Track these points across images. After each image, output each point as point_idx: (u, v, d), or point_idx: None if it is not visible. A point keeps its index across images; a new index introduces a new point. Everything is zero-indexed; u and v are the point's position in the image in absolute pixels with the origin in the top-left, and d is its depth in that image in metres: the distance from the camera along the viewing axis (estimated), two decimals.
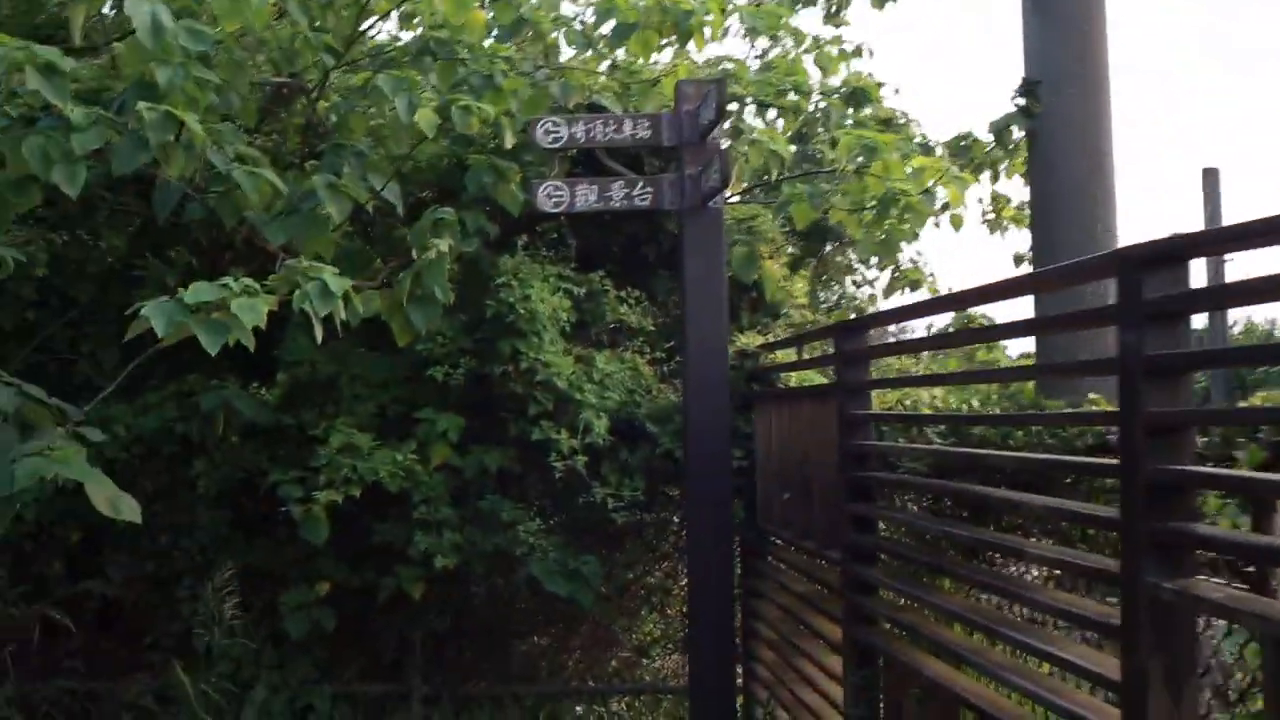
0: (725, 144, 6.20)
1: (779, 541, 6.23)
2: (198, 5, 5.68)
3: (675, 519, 7.03)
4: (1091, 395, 4.41)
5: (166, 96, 5.03)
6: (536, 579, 6.32)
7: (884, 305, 10.12)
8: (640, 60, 6.79)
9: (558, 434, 6.34)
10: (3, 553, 6.72)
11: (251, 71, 6.25)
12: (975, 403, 4.70)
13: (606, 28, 6.36)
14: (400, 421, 6.71)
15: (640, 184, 6.04)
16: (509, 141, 6.25)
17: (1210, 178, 23.03)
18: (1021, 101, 7.97)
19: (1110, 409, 3.24)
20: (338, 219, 5.54)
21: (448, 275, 5.81)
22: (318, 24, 6.31)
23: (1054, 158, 7.89)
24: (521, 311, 6.36)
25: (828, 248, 9.51)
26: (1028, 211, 8.55)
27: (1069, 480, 3.70)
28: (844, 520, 4.81)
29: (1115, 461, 2.88)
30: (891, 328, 12.58)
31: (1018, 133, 8.34)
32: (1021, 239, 9.59)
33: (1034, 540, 3.79)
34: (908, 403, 5.21)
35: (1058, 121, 7.90)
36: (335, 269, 4.93)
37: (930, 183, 6.80)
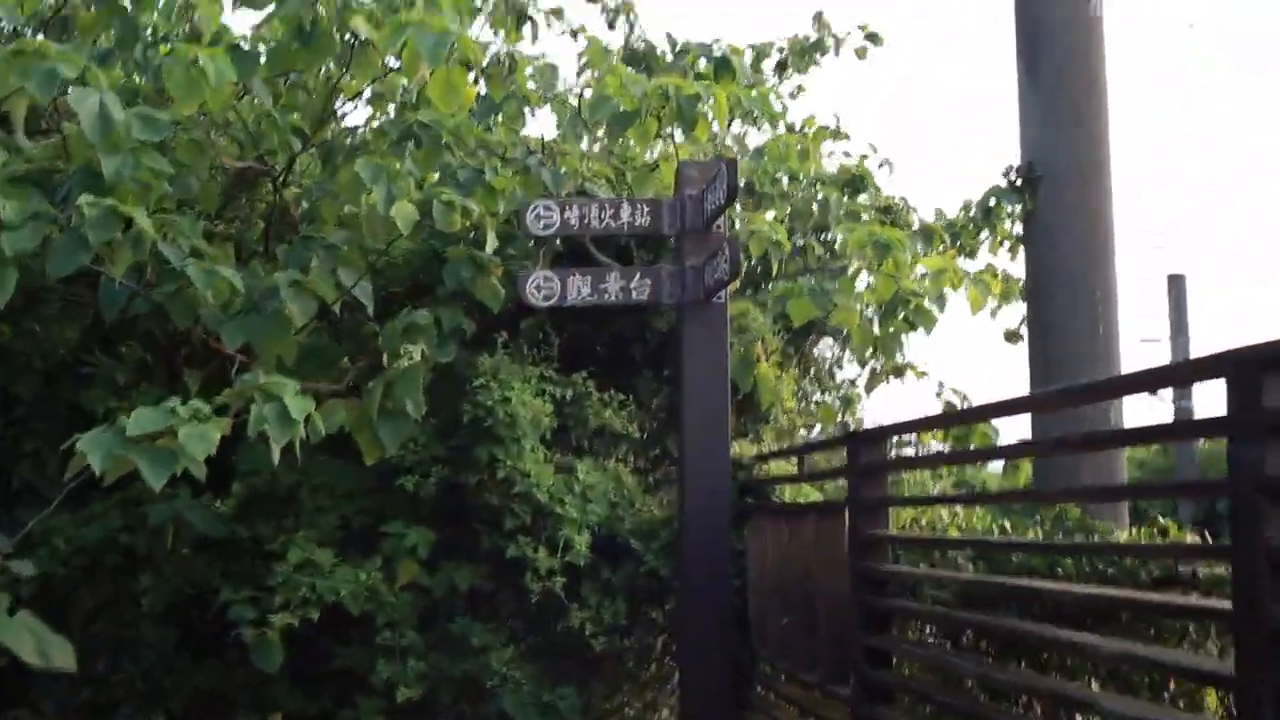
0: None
1: (774, 670, 5.70)
2: (153, 85, 5.27)
3: (658, 644, 6.50)
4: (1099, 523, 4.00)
5: (114, 189, 4.61)
6: (508, 715, 5.77)
7: (866, 401, 9.61)
8: (636, 147, 6.41)
9: (534, 552, 5.85)
10: None
11: (212, 154, 5.84)
12: (1006, 524, 4.25)
13: (601, 113, 5.98)
14: (365, 535, 6.21)
15: (637, 275, 5.64)
16: (490, 245, 5.84)
17: (1175, 284, 23.09)
18: (1013, 179, 7.68)
19: (1195, 541, 2.80)
20: (300, 321, 5.09)
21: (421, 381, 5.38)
22: (283, 103, 5.92)
23: (1052, 244, 7.56)
24: (501, 415, 5.91)
25: (813, 344, 9.11)
26: (1017, 280, 8.21)
27: (1125, 618, 3.25)
28: (855, 652, 4.32)
29: (1224, 606, 2.44)
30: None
31: (1007, 207, 8.02)
32: (1011, 314, 9.17)
33: (1099, 688, 3.32)
34: (923, 522, 4.75)
35: (1055, 208, 7.58)
36: (296, 386, 4.47)
37: (946, 288, 6.40)
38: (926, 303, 6.25)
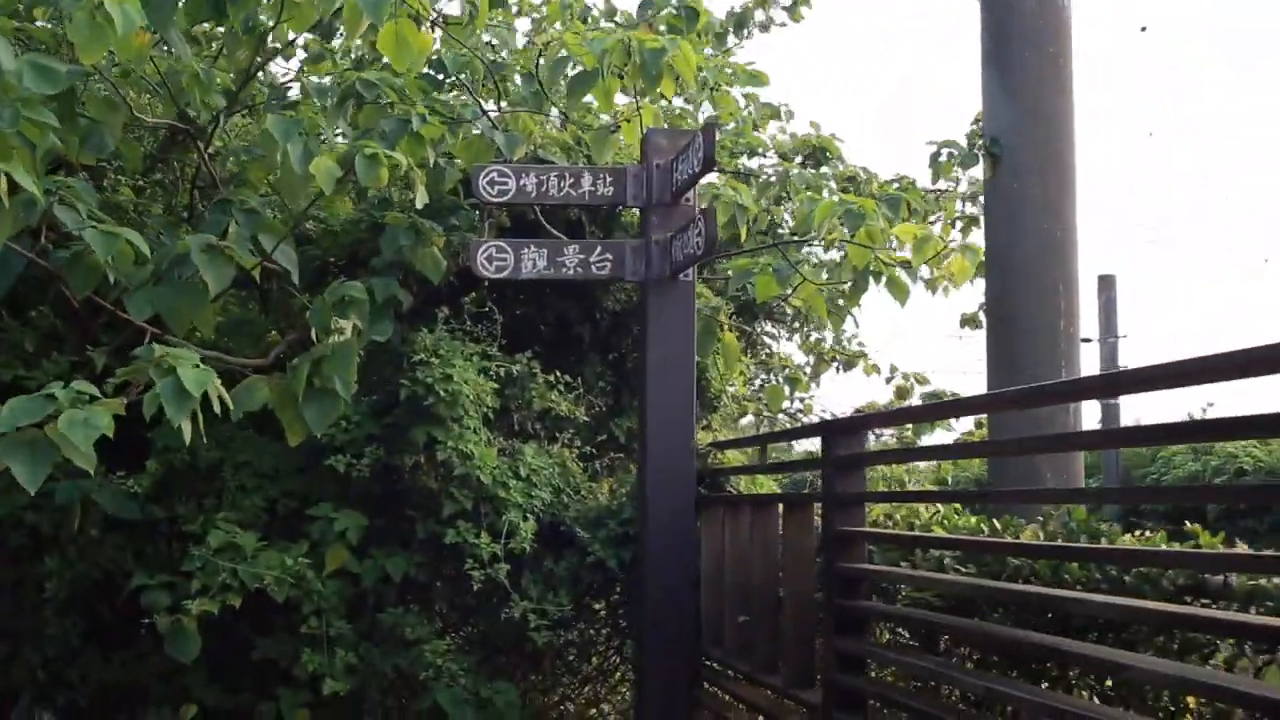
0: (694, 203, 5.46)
1: (728, 671, 5.42)
2: (53, 33, 4.82)
3: (601, 637, 6.20)
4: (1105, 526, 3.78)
5: None
6: (442, 710, 5.43)
7: (816, 387, 9.34)
8: (597, 107, 6.05)
9: (476, 537, 5.51)
10: None
11: (126, 112, 5.39)
12: (995, 523, 4.01)
13: (558, 73, 5.63)
14: (291, 518, 5.82)
15: (598, 249, 5.32)
16: (420, 199, 5.46)
17: (1106, 284, 23.37)
18: (975, 145, 7.49)
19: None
20: (215, 289, 4.65)
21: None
22: (207, 55, 5.49)
23: (1012, 232, 7.39)
24: (441, 394, 5.55)
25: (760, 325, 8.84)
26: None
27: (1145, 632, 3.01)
28: (827, 655, 4.06)
29: None
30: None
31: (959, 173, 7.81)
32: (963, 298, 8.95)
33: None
34: (897, 518, 4.49)
35: (1016, 194, 7.41)
36: (196, 358, 4.07)
37: (932, 254, 6.11)
38: (899, 273, 5.97)
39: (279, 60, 7.25)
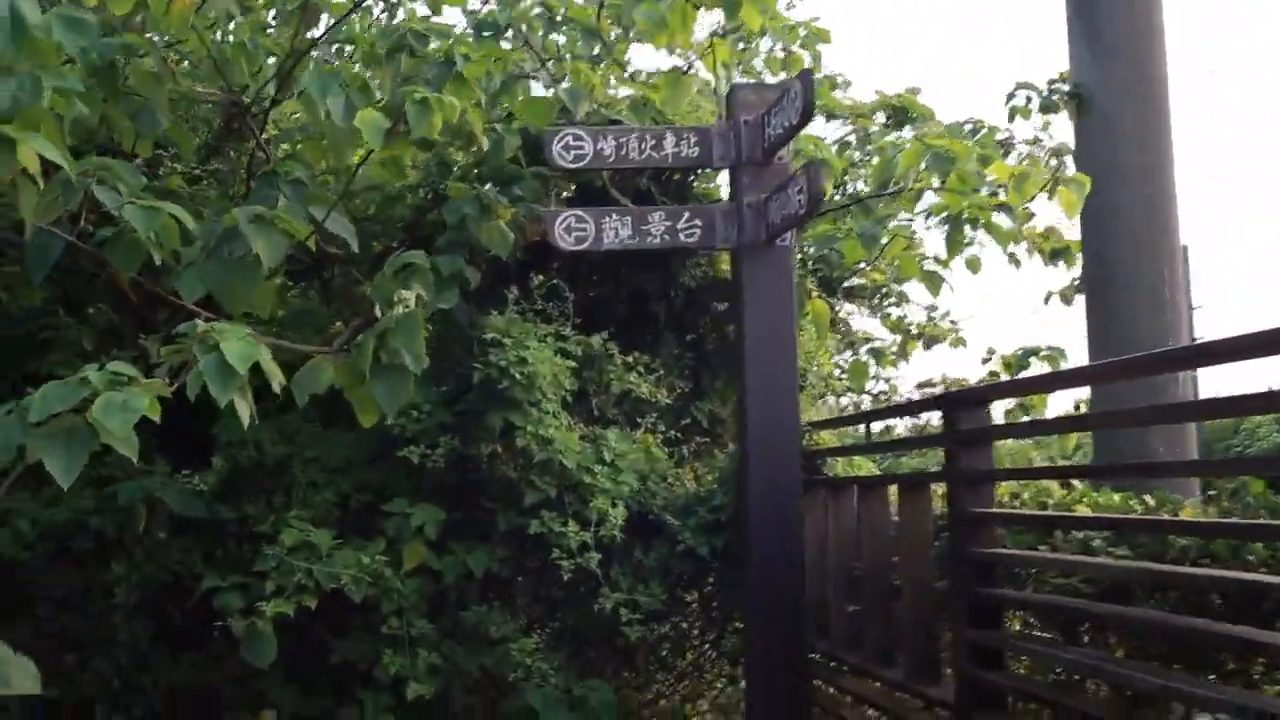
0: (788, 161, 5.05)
1: (836, 663, 5.06)
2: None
3: (695, 630, 5.87)
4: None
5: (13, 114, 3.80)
6: (534, 710, 5.13)
7: (904, 364, 8.87)
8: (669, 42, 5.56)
9: (563, 526, 5.20)
10: None
11: (171, 85, 5.08)
12: (1148, 499, 3.62)
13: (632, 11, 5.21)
14: (365, 514, 5.54)
15: (685, 216, 4.95)
16: (509, 150, 5.07)
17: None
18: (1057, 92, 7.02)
19: None
20: (269, 261, 4.32)
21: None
22: (252, 20, 5.19)
23: (1105, 188, 6.91)
24: (517, 377, 5.24)
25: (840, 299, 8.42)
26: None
27: None
28: (957, 648, 3.69)
29: None
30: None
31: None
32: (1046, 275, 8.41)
33: None
34: (1025, 496, 4.11)
35: (1108, 160, 6.96)
36: (243, 331, 3.75)
37: (1034, 191, 5.65)
38: (999, 217, 5.50)
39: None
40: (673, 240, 5.00)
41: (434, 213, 5.80)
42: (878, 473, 5.76)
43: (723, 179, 5.92)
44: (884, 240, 6.15)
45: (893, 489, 4.63)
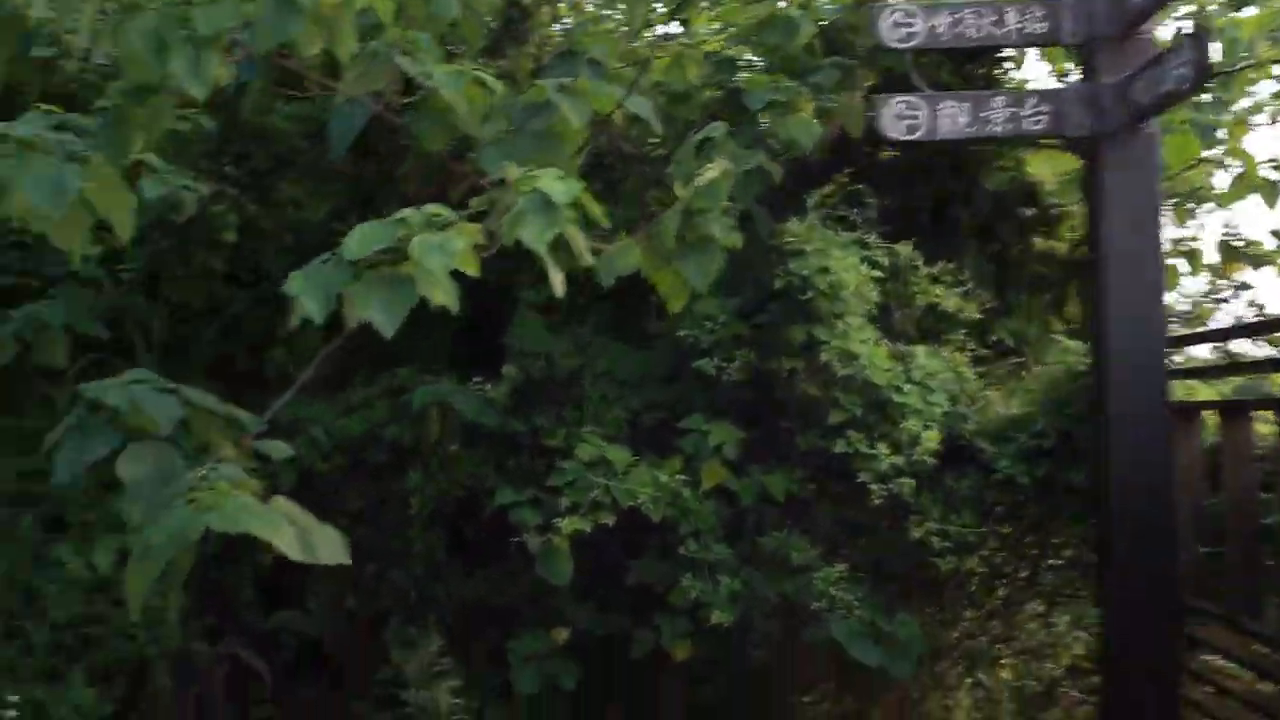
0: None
1: (1196, 613, 4.48)
2: None
3: (1008, 565, 5.39)
4: None
5: None
6: (838, 643, 4.81)
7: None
8: None
9: (871, 447, 4.82)
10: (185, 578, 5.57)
11: None
12: None
13: None
14: (657, 431, 5.31)
15: (1032, 100, 4.41)
16: (803, 37, 4.66)
17: None
18: None
19: None
20: (577, 122, 4.09)
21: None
22: None
23: None
24: (821, 287, 4.86)
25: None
26: None
27: None
28: None
29: None
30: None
31: None
32: None
33: None
34: None
35: None
36: (560, 173, 3.51)
37: None
38: None
39: None
40: (1015, 129, 4.47)
41: (724, 112, 5.43)
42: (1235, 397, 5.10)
43: (1033, 70, 5.32)
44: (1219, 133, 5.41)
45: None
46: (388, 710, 5.39)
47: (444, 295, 3.21)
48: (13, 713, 4.91)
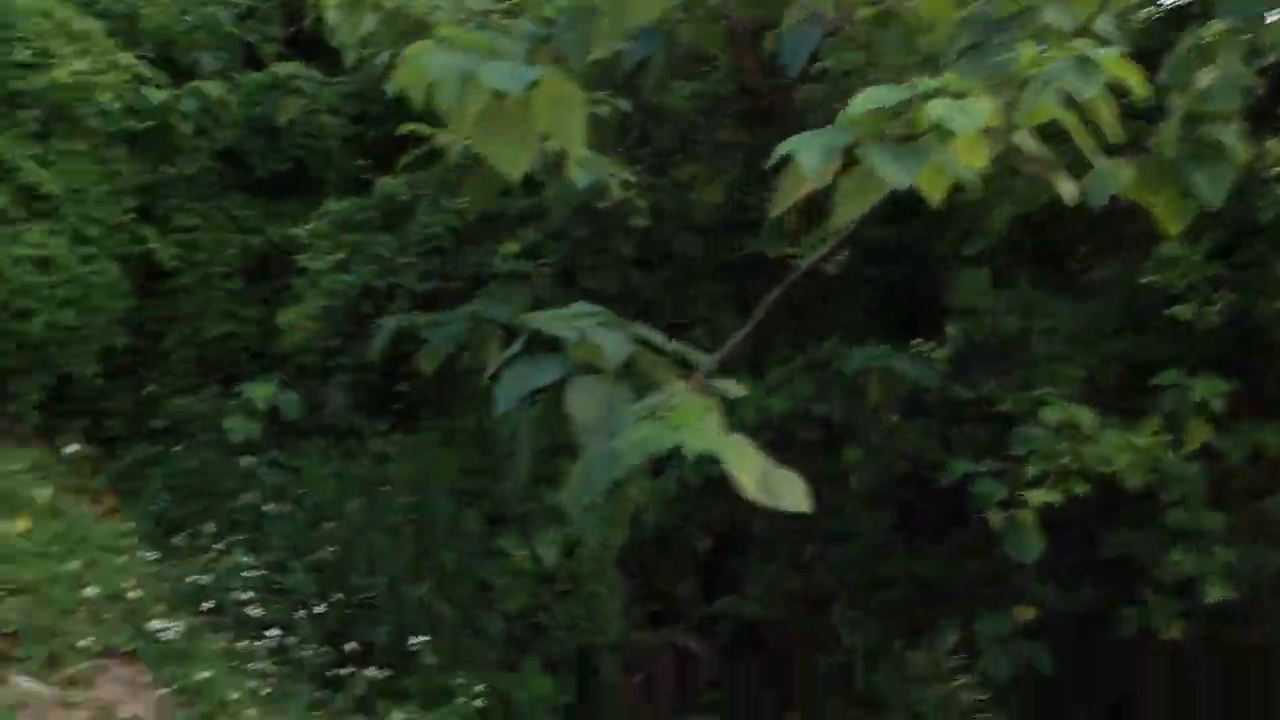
0: None
1: None
2: None
3: None
4: None
5: None
6: None
7: None
8: None
9: None
10: (625, 566, 5.60)
11: None
12: None
13: None
14: (1119, 389, 4.81)
15: None
16: None
17: None
18: None
19: None
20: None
21: None
22: None
23: None
24: None
25: None
26: None
27: None
28: None
29: None
30: None
31: None
32: None
33: None
34: None
35: None
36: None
37: None
38: None
39: None
40: None
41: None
42: None
43: None
44: None
45: None
46: (839, 695, 5.22)
47: (975, 156, 2.85)
48: (479, 701, 5.08)
